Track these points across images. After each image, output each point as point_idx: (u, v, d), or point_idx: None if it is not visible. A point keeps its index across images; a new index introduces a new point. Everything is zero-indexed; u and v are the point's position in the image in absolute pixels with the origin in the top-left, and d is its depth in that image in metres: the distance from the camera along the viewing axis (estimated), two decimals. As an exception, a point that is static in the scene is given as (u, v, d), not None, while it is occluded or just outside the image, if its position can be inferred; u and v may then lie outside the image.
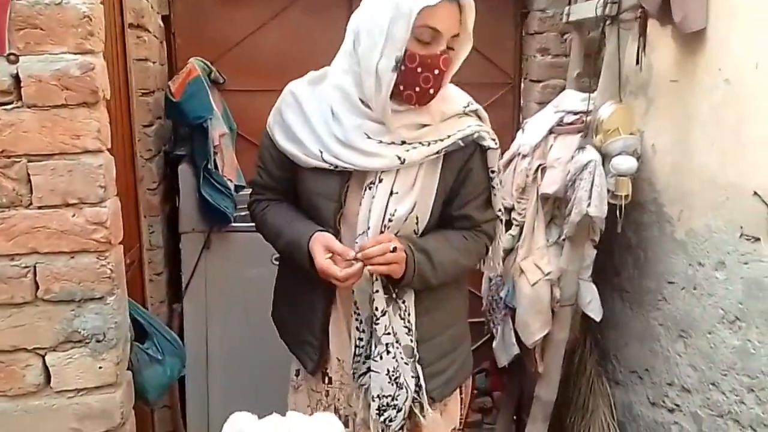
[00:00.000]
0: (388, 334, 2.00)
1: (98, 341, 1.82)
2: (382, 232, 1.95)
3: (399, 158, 1.92)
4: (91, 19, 1.70)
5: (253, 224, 2.26)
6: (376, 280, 1.97)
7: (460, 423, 2.29)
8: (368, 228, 1.96)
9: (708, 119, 2.46)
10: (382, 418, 2.04)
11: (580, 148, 2.77)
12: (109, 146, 1.81)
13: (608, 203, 2.71)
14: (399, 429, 2.06)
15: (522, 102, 3.87)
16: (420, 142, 1.94)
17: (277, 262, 2.36)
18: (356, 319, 2.05)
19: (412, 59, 1.84)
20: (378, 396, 2.03)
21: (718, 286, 2.42)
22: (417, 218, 1.99)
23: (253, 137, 3.53)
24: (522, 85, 3.86)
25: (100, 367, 1.83)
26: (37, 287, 1.77)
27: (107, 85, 1.81)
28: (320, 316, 2.12)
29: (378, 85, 1.87)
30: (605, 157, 2.73)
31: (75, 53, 1.70)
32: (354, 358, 2.08)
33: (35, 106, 1.70)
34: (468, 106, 2.04)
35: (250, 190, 2.29)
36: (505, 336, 3.11)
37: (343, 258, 1.93)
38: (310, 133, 1.99)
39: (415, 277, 1.96)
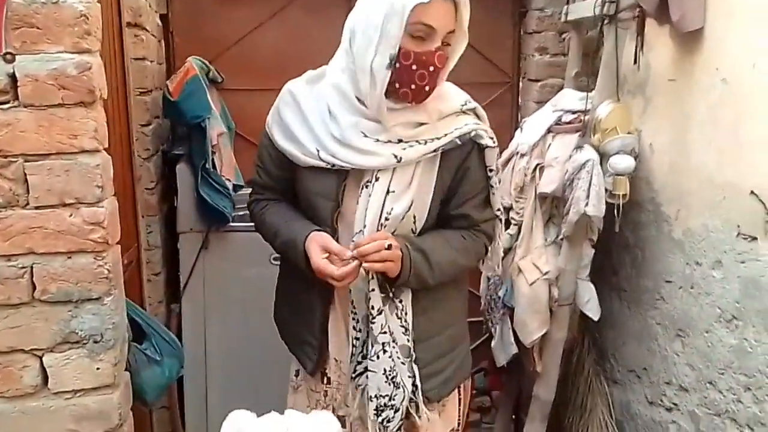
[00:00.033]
0: (385, 333, 1.99)
1: (96, 342, 1.82)
2: (378, 231, 1.95)
3: (395, 157, 1.92)
4: (87, 18, 1.70)
5: (252, 224, 2.26)
6: (372, 278, 1.97)
7: (459, 425, 2.28)
8: (364, 226, 1.96)
9: (705, 119, 2.45)
10: (380, 419, 2.04)
11: (578, 147, 2.77)
12: (107, 146, 1.81)
13: (606, 202, 2.71)
14: (397, 430, 2.06)
15: (520, 101, 3.86)
16: (417, 141, 1.94)
17: (276, 262, 2.36)
18: (353, 319, 2.05)
19: (407, 57, 1.84)
20: (376, 396, 2.03)
21: (715, 285, 2.42)
22: (414, 217, 1.99)
23: (252, 136, 3.53)
24: (520, 84, 3.85)
25: (98, 368, 1.83)
26: (34, 288, 1.77)
27: (104, 84, 1.81)
28: (319, 316, 2.12)
29: (373, 82, 1.87)
30: (603, 157, 2.72)
31: (72, 52, 1.70)
32: (351, 357, 2.08)
33: (32, 106, 1.70)
34: (465, 104, 2.03)
35: (250, 189, 2.28)
36: (504, 335, 3.10)
37: (340, 258, 1.93)
38: (308, 132, 1.99)
39: (411, 276, 1.96)
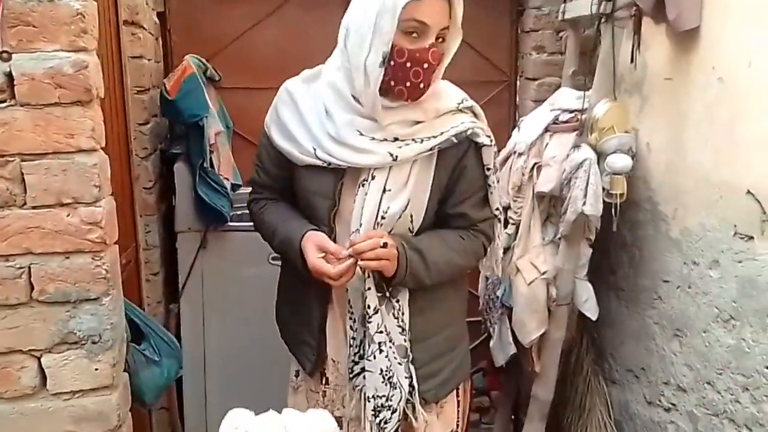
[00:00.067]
0: (381, 332, 1.99)
1: (94, 342, 1.82)
2: (375, 230, 1.95)
3: (391, 155, 1.92)
4: (84, 17, 1.70)
5: (250, 223, 2.26)
6: (368, 277, 1.97)
7: (459, 427, 2.27)
8: (360, 225, 1.96)
9: (702, 118, 2.45)
10: (377, 420, 2.04)
11: (576, 146, 2.77)
12: (104, 145, 1.81)
13: (603, 201, 2.71)
14: (394, 431, 2.05)
15: (518, 100, 3.87)
16: (413, 139, 1.94)
17: (275, 262, 2.36)
18: (350, 318, 2.05)
19: (401, 54, 1.84)
20: (373, 396, 2.03)
21: (712, 284, 2.42)
22: (411, 216, 1.99)
23: (250, 135, 3.53)
24: (518, 82, 3.86)
25: (96, 369, 1.83)
26: (32, 288, 1.77)
27: (101, 83, 1.81)
28: (317, 316, 2.12)
29: (367, 80, 1.87)
30: (600, 156, 2.72)
31: (68, 51, 1.70)
32: (348, 357, 2.08)
33: (28, 105, 1.70)
34: (462, 102, 2.03)
35: (249, 189, 2.28)
36: (502, 335, 3.10)
37: (336, 257, 1.92)
38: (305, 131, 1.99)
39: (407, 276, 1.96)
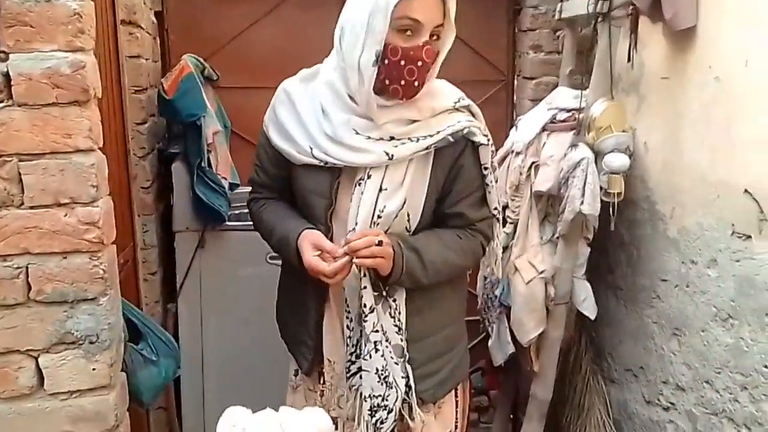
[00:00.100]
0: (377, 331, 1.99)
1: (91, 342, 1.81)
2: (371, 228, 1.95)
3: (387, 154, 1.92)
4: (81, 17, 1.70)
5: (248, 222, 2.26)
6: (364, 275, 1.97)
7: (457, 427, 2.26)
8: (356, 224, 1.96)
9: (698, 117, 2.46)
10: (373, 420, 2.03)
11: (573, 145, 2.77)
12: (101, 145, 1.81)
13: (601, 201, 2.71)
14: (390, 431, 2.05)
15: (515, 99, 3.86)
16: (409, 138, 1.94)
17: (273, 261, 2.36)
18: (347, 317, 2.05)
19: (394, 52, 1.84)
20: (369, 396, 2.03)
21: (710, 283, 2.42)
22: (408, 215, 1.99)
23: (248, 135, 3.53)
24: (515, 82, 3.85)
25: (94, 369, 1.83)
26: (30, 288, 1.77)
27: (98, 83, 1.81)
28: (314, 314, 2.12)
29: (361, 79, 1.87)
30: (598, 155, 2.72)
31: (65, 51, 1.70)
32: (345, 357, 2.08)
33: (26, 105, 1.70)
34: (459, 101, 2.02)
35: (247, 188, 2.29)
36: (501, 334, 3.10)
37: (332, 256, 1.93)
38: (302, 131, 1.99)
39: (403, 275, 1.96)
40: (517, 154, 2.99)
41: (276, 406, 1.76)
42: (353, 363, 2.07)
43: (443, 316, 2.13)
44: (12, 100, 1.69)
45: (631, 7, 2.67)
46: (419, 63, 1.86)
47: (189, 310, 3.30)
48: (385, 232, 1.95)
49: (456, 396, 2.24)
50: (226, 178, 3.18)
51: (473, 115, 2.04)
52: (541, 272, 2.89)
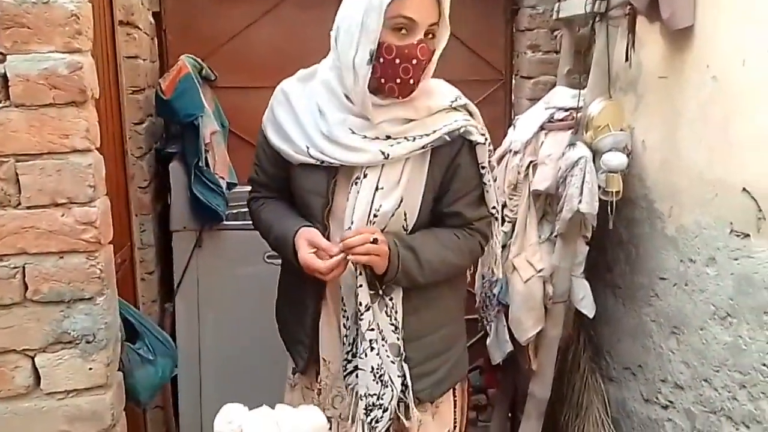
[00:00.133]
0: (372, 330, 1.99)
1: (88, 342, 1.81)
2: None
3: (383, 153, 1.92)
4: (78, 18, 1.69)
5: (246, 222, 2.27)
6: (360, 274, 1.97)
7: (456, 428, 2.26)
8: (352, 223, 1.96)
9: (696, 116, 2.46)
10: (369, 419, 2.04)
11: (571, 144, 2.77)
12: (98, 145, 1.81)
13: (599, 199, 2.71)
14: (385, 430, 2.05)
15: (513, 98, 3.87)
16: (405, 137, 1.94)
17: (270, 261, 2.36)
18: (343, 316, 2.06)
19: (389, 51, 1.85)
20: (365, 395, 2.03)
21: (708, 282, 2.42)
22: (405, 214, 1.99)
23: (246, 134, 3.53)
24: (513, 81, 3.86)
25: (90, 369, 1.82)
26: (26, 288, 1.76)
27: (96, 84, 1.81)
28: (311, 313, 2.13)
29: (356, 78, 1.88)
30: (596, 154, 2.72)
31: (63, 52, 1.69)
32: (342, 356, 2.08)
33: (23, 106, 1.69)
34: (456, 100, 2.03)
35: (245, 188, 2.29)
36: (499, 333, 3.10)
37: (327, 253, 1.94)
38: (299, 130, 2.00)
39: (399, 273, 1.96)
40: (515, 153, 2.99)
41: (273, 405, 1.77)
42: (350, 362, 2.07)
43: (441, 315, 2.13)
44: (9, 101, 1.69)
45: (628, 6, 2.67)
46: (414, 61, 1.86)
47: (186, 310, 3.30)
48: (382, 231, 1.95)
49: (454, 396, 2.24)
50: (223, 178, 3.19)
51: (471, 114, 2.05)
52: (540, 271, 2.89)
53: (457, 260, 2.09)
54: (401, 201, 1.96)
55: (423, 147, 1.94)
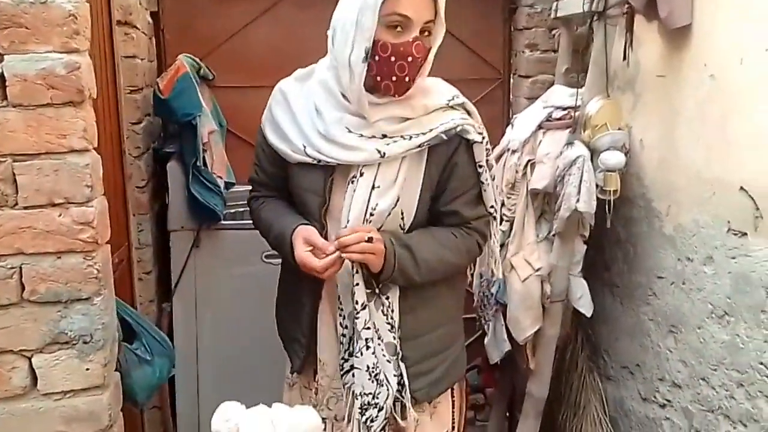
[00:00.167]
0: (368, 328, 1.99)
1: (85, 342, 1.81)
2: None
3: (379, 152, 1.92)
4: (76, 18, 1.70)
5: (243, 222, 2.26)
6: (357, 272, 1.97)
7: (455, 428, 2.26)
8: (348, 221, 1.96)
9: (694, 115, 2.46)
10: (364, 418, 2.04)
11: (569, 143, 2.77)
12: (96, 145, 1.81)
13: (597, 198, 2.71)
14: (381, 430, 2.05)
15: (511, 97, 3.87)
16: (401, 136, 1.94)
17: (268, 260, 2.36)
18: (340, 315, 2.06)
19: (384, 48, 1.85)
20: (360, 394, 2.03)
21: (706, 280, 2.42)
22: (402, 213, 1.99)
23: (244, 134, 3.54)
24: (511, 80, 3.86)
25: (88, 369, 1.82)
26: (23, 288, 1.76)
27: (93, 83, 1.81)
28: (308, 311, 2.13)
29: (352, 76, 1.88)
30: (594, 153, 2.72)
31: (60, 52, 1.70)
32: (339, 355, 2.08)
33: (20, 106, 1.70)
34: (453, 99, 2.02)
35: (245, 187, 2.29)
36: (497, 332, 3.10)
37: (323, 252, 1.94)
38: (297, 129, 2.00)
39: (395, 272, 1.96)
40: (513, 152, 2.99)
41: (270, 404, 1.77)
42: (346, 360, 2.07)
43: (438, 314, 2.13)
44: (7, 101, 1.69)
45: (626, 5, 2.67)
46: (409, 59, 1.86)
47: (184, 310, 3.30)
48: (378, 230, 1.95)
49: (452, 396, 2.24)
50: (221, 177, 3.19)
51: (468, 112, 2.04)
52: (537, 270, 2.89)
53: (455, 259, 2.09)
54: (398, 200, 1.96)
55: (419, 146, 1.94)
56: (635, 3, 2.59)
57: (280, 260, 2.25)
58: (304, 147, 1.97)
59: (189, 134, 3.05)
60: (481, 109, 2.12)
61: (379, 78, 1.89)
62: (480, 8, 3.68)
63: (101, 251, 1.83)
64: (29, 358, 1.79)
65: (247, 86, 3.53)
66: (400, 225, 2.00)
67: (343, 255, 1.91)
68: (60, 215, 1.75)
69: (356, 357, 2.02)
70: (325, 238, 2.00)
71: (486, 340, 3.18)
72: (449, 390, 2.21)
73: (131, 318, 2.19)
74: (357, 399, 2.04)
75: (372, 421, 2.03)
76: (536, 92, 3.48)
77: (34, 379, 1.81)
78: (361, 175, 1.95)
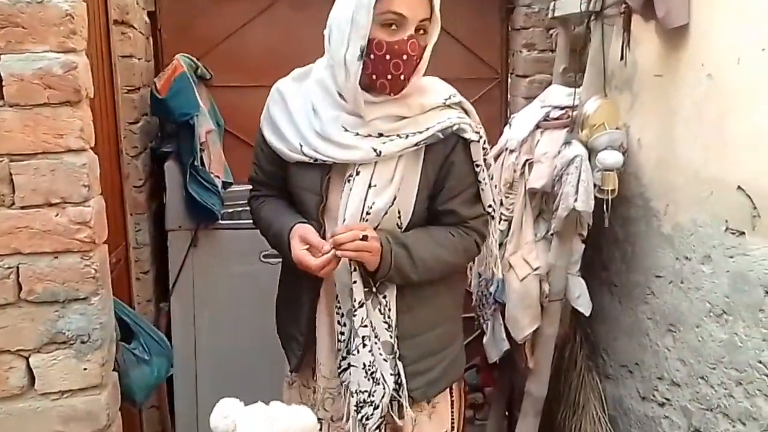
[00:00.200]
0: (365, 326, 1.99)
1: (83, 342, 1.81)
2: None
3: (375, 150, 1.92)
4: (73, 18, 1.70)
5: (241, 221, 2.26)
6: (355, 270, 1.97)
7: (454, 428, 2.26)
8: (344, 220, 1.97)
9: (691, 114, 2.46)
10: (359, 416, 2.04)
11: (567, 143, 2.77)
12: (93, 145, 1.81)
13: (595, 198, 2.71)
14: (376, 428, 2.05)
15: (509, 97, 3.86)
16: (398, 135, 1.94)
17: (265, 260, 2.36)
18: (338, 313, 2.06)
19: (379, 47, 1.86)
20: (356, 391, 2.03)
21: (704, 280, 2.42)
22: (399, 212, 1.99)
23: (242, 133, 3.53)
24: (509, 80, 3.85)
25: (85, 369, 1.82)
26: (20, 288, 1.76)
27: (90, 83, 1.81)
28: (306, 310, 2.13)
29: (347, 75, 1.88)
30: (591, 152, 2.72)
31: (57, 52, 1.70)
32: (337, 353, 2.09)
33: (17, 105, 1.70)
34: (450, 98, 2.02)
35: (243, 186, 2.29)
36: (495, 331, 3.10)
37: (319, 250, 1.94)
38: (294, 129, 2.01)
39: (392, 270, 1.96)
40: (511, 151, 2.99)
41: (268, 404, 1.78)
42: (344, 359, 2.07)
43: (436, 314, 2.13)
44: (3, 101, 1.69)
45: (623, 5, 2.67)
46: (404, 57, 1.86)
47: (182, 309, 3.30)
48: (376, 228, 1.95)
49: (451, 395, 2.23)
50: (219, 177, 3.18)
51: (466, 111, 2.04)
52: (536, 269, 2.89)
53: (452, 258, 2.08)
54: (394, 199, 1.96)
55: (416, 144, 1.94)
56: (632, 3, 2.59)
57: (277, 260, 2.25)
58: (301, 146, 1.97)
59: (186, 134, 3.04)
60: (479, 109, 2.11)
61: (374, 76, 1.89)
62: (477, 8, 3.68)
63: (98, 251, 1.83)
64: (27, 358, 1.79)
65: (244, 86, 3.52)
66: (397, 224, 2.00)
67: (338, 253, 1.91)
68: (57, 215, 1.75)
69: (353, 354, 2.02)
70: (324, 236, 2.00)
71: (485, 339, 3.18)
72: (448, 389, 2.21)
73: (129, 318, 2.19)
74: (353, 396, 2.04)
75: (367, 419, 2.03)
76: (534, 92, 3.48)
77: (32, 378, 1.81)
78: (358, 173, 1.95)
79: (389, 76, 1.88)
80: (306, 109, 2.00)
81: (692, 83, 2.44)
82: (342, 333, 2.06)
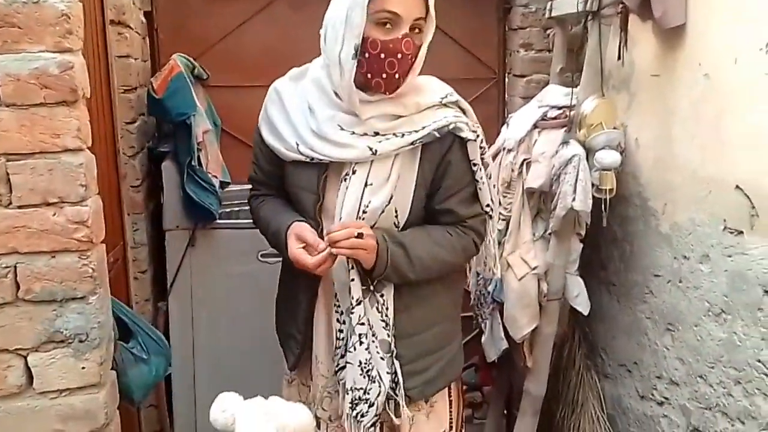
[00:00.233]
0: (362, 324, 1.99)
1: (81, 341, 1.81)
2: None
3: (371, 149, 1.92)
4: (69, 18, 1.70)
5: (239, 221, 2.26)
6: (353, 268, 1.97)
7: (453, 428, 2.25)
8: (341, 219, 1.97)
9: (688, 114, 2.46)
10: (354, 413, 2.04)
11: (564, 142, 2.77)
12: (90, 144, 1.81)
13: (593, 197, 2.71)
14: (371, 426, 2.04)
15: (506, 97, 3.86)
16: (394, 134, 1.94)
17: (263, 259, 2.36)
18: (336, 311, 2.06)
19: (374, 45, 1.86)
20: (351, 389, 2.03)
21: (703, 279, 2.42)
22: (396, 211, 1.99)
23: (239, 133, 3.54)
24: (506, 80, 3.86)
25: (83, 368, 1.82)
26: (18, 287, 1.76)
27: (87, 83, 1.81)
28: (304, 308, 2.14)
29: (342, 73, 1.89)
30: (589, 152, 2.72)
31: (53, 52, 1.70)
32: (335, 351, 2.09)
33: (14, 105, 1.70)
34: (447, 97, 2.02)
35: (241, 186, 2.29)
36: (494, 331, 3.10)
37: (315, 249, 1.94)
38: (290, 128, 2.01)
39: (389, 269, 1.96)
40: (509, 151, 2.99)
41: (267, 398, 1.79)
42: (342, 357, 2.07)
43: (433, 313, 2.12)
44: (0, 101, 1.68)
45: (620, 5, 2.68)
46: (399, 55, 1.86)
47: (179, 308, 3.29)
48: (372, 227, 1.95)
49: (450, 395, 2.23)
50: (216, 177, 3.18)
51: (463, 110, 2.04)
52: (534, 268, 2.89)
53: (450, 257, 2.08)
54: (391, 197, 1.96)
55: (412, 143, 1.94)
56: (629, 3, 2.59)
57: (275, 259, 2.26)
58: (297, 145, 1.97)
59: (183, 134, 3.04)
60: (477, 109, 2.11)
61: (369, 75, 1.89)
62: (474, 8, 3.68)
63: (96, 250, 1.83)
64: (25, 357, 1.79)
65: (241, 86, 3.52)
66: (394, 223, 2.00)
67: (333, 250, 1.91)
68: (54, 214, 1.75)
69: (349, 352, 2.02)
70: (321, 235, 2.00)
71: (483, 338, 3.19)
72: (446, 389, 2.20)
73: (127, 317, 2.19)
74: (348, 393, 2.04)
75: (362, 416, 2.03)
76: (531, 92, 3.49)
77: (30, 377, 1.81)
78: (354, 172, 1.95)
79: (384, 75, 1.88)
80: (302, 109, 2.00)
81: (689, 83, 2.44)
82: (341, 331, 2.06)
